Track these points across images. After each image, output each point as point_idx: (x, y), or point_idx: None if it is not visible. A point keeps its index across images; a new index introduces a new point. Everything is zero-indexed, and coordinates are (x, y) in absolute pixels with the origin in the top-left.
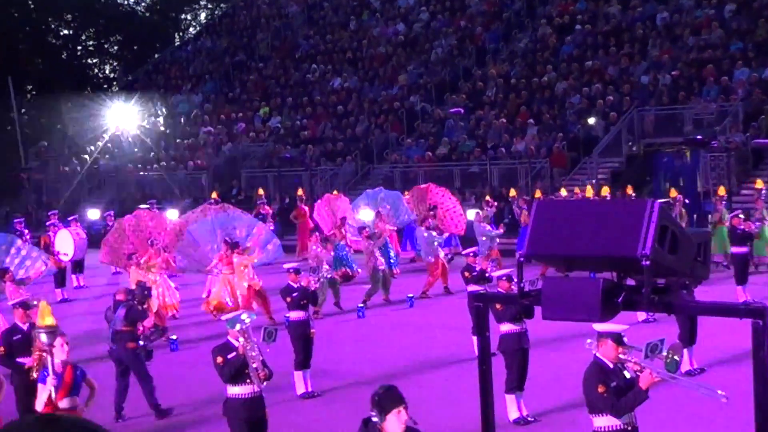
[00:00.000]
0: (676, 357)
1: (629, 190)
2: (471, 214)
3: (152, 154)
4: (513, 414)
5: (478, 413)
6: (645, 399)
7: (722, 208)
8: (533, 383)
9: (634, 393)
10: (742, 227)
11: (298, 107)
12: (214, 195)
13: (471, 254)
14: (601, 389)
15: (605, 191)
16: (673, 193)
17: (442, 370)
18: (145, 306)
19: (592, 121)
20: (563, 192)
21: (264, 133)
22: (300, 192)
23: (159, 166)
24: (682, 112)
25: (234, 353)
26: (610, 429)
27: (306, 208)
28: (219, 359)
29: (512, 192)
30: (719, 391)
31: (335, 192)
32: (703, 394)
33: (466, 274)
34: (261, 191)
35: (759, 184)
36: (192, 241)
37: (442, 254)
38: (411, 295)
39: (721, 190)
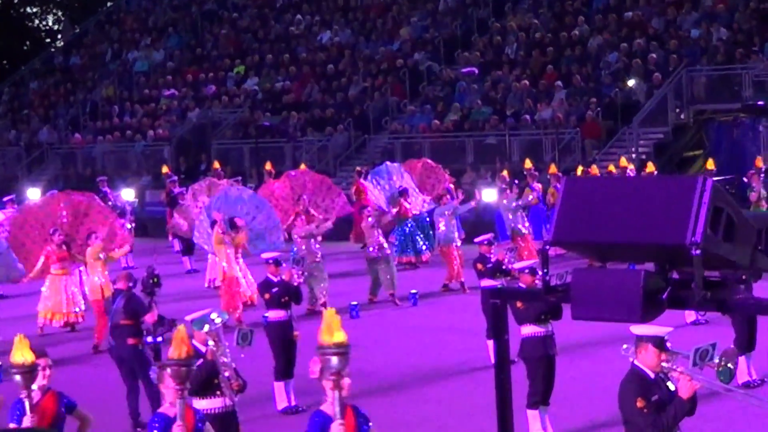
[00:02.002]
0: (730, 365)
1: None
2: (488, 195)
3: (104, 122)
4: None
5: None
6: (687, 412)
7: (759, 185)
8: (560, 397)
9: (675, 405)
10: None
11: (279, 66)
12: (165, 169)
13: (485, 242)
14: (640, 404)
15: (650, 168)
16: (710, 164)
17: (451, 382)
18: (154, 297)
19: (631, 83)
20: (594, 169)
21: (238, 97)
22: (268, 166)
23: (112, 136)
24: (740, 72)
25: (201, 360)
26: None
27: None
28: None
29: (527, 163)
30: None
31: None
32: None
33: (479, 266)
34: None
35: None
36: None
37: (458, 240)
38: (414, 291)
39: (759, 162)
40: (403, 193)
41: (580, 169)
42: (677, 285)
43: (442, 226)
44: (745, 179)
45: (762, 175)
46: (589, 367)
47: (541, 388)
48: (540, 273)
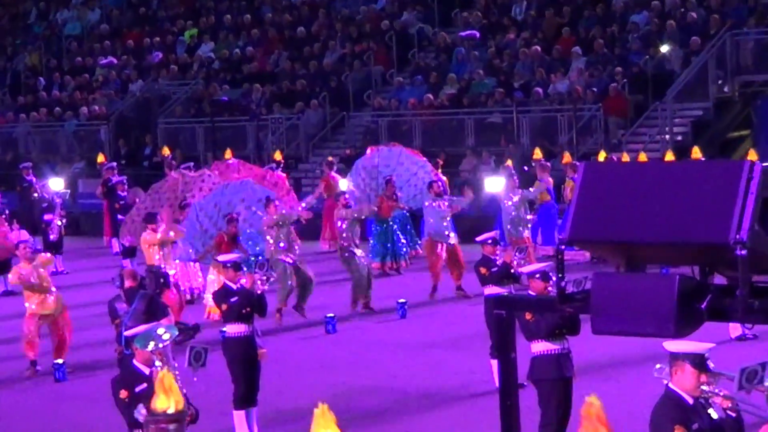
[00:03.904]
0: None
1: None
2: (493, 184)
3: (28, 96)
4: None
5: None
6: None
7: None
8: (578, 427)
9: None
10: None
11: (240, 29)
12: (100, 158)
13: (489, 241)
14: None
15: (696, 153)
16: (752, 156)
17: (447, 409)
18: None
19: (664, 49)
20: (624, 156)
21: (190, 67)
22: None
23: (37, 114)
24: None
25: (145, 384)
26: None
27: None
28: (123, 393)
29: (537, 153)
30: None
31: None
32: None
33: (483, 270)
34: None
35: None
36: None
37: (453, 238)
38: (402, 300)
39: None
40: (389, 183)
41: (602, 154)
42: (719, 292)
43: (431, 219)
44: None
45: None
46: (614, 392)
47: (555, 416)
48: (554, 278)
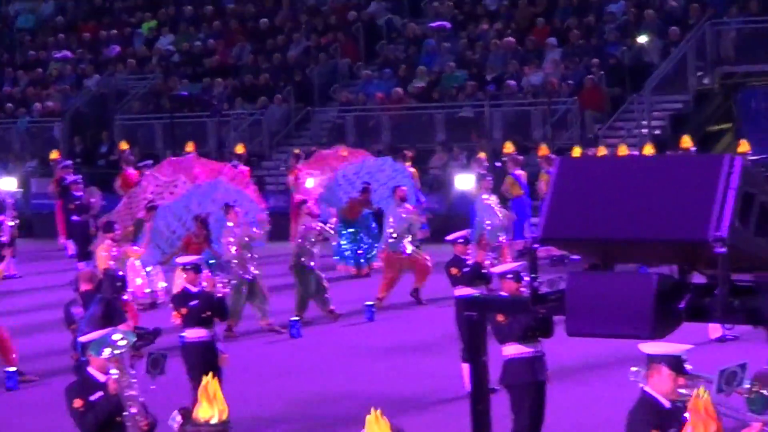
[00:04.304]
0: (765, 391)
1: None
2: (462, 181)
3: None
4: None
5: None
6: None
7: None
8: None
9: None
10: None
11: (201, 21)
12: (54, 155)
13: (460, 241)
14: None
15: (686, 142)
16: (744, 147)
17: (417, 415)
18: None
19: (643, 40)
20: (601, 149)
21: (149, 61)
22: (190, 147)
23: None
24: None
25: (100, 393)
26: None
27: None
28: (77, 403)
29: (508, 147)
30: None
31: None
32: None
33: (454, 270)
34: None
35: None
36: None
37: (410, 248)
38: (370, 303)
39: None
40: (365, 190)
41: (578, 149)
42: (698, 291)
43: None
44: None
45: None
46: (589, 395)
47: (528, 421)
48: (527, 278)
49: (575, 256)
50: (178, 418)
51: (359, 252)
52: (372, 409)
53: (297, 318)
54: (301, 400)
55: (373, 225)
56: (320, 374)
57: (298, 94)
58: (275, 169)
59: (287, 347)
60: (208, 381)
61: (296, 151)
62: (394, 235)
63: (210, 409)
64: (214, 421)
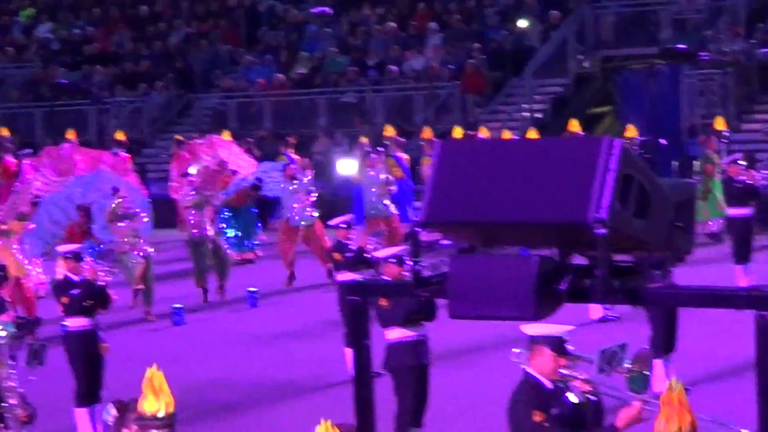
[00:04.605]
0: (644, 371)
1: (575, 126)
2: (344, 166)
3: None
4: None
5: None
6: None
7: (714, 151)
8: (436, 416)
9: None
10: (743, 179)
11: (80, 8)
12: None
13: (343, 226)
14: (537, 418)
15: (574, 126)
16: (631, 132)
17: (301, 400)
18: None
19: (523, 24)
20: (484, 131)
21: (28, 48)
22: (71, 135)
23: None
24: (656, 10)
25: None
26: None
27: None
28: None
29: (388, 130)
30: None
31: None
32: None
33: (336, 255)
34: None
35: None
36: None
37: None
38: (253, 289)
39: (719, 123)
40: (255, 188)
41: (459, 132)
42: (579, 273)
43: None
44: (661, 142)
45: (723, 139)
46: (472, 378)
47: (411, 405)
48: (409, 262)
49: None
50: (113, 411)
51: (242, 239)
52: (322, 421)
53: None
54: (186, 387)
55: (257, 212)
56: (205, 361)
57: (179, 81)
58: (156, 156)
59: (171, 335)
60: (153, 373)
61: (177, 137)
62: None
63: (156, 402)
64: (161, 414)
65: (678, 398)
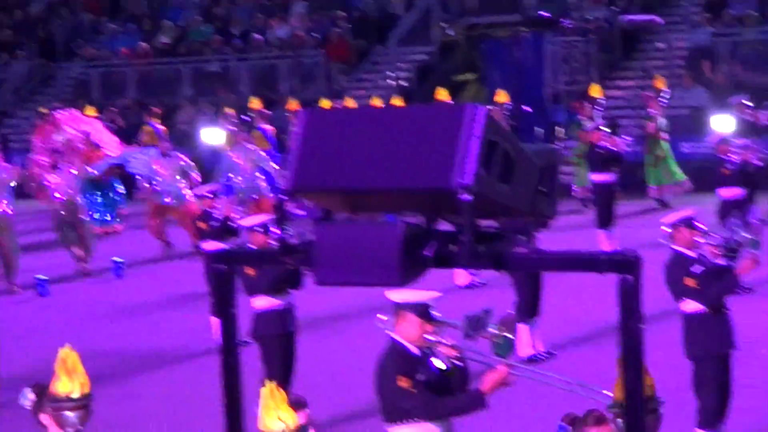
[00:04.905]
0: (509, 335)
1: (443, 94)
2: (209, 136)
3: None
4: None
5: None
6: (482, 407)
7: (588, 118)
8: (303, 383)
9: (470, 397)
10: (605, 145)
11: None
12: None
13: (208, 195)
14: (403, 384)
15: (442, 94)
16: (502, 96)
17: (167, 371)
18: None
19: None
20: (350, 102)
21: None
22: None
23: None
24: None
25: None
26: None
27: None
28: None
29: (254, 102)
30: (606, 392)
31: None
32: (561, 389)
33: (202, 225)
34: None
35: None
36: None
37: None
38: (119, 259)
39: (594, 90)
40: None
41: (325, 102)
42: (444, 239)
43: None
44: (525, 108)
45: (597, 106)
46: (339, 345)
47: (278, 372)
48: (275, 231)
49: (299, 211)
50: (30, 395)
51: (105, 211)
52: (266, 382)
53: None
54: (50, 359)
55: (119, 187)
56: (71, 332)
57: (41, 51)
58: (19, 127)
59: (35, 306)
60: (66, 353)
61: (42, 109)
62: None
63: (69, 382)
64: (75, 395)
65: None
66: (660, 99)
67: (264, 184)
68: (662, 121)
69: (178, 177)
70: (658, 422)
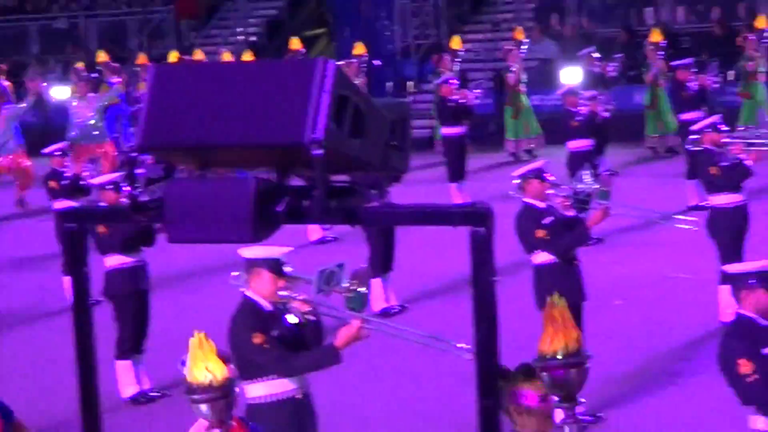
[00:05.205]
0: (362, 290)
1: (296, 44)
2: (58, 93)
3: None
4: (128, 389)
5: (74, 393)
6: (336, 361)
7: (449, 70)
8: (157, 341)
9: (324, 352)
10: (455, 98)
11: None
12: None
13: (57, 153)
14: (257, 340)
15: (295, 44)
16: (359, 49)
17: (20, 330)
18: None
19: None
20: (199, 54)
21: None
22: None
23: None
24: None
25: None
26: (274, 399)
27: None
28: None
29: (101, 56)
30: (460, 344)
31: None
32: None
33: (52, 183)
34: None
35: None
36: None
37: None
38: None
39: (455, 42)
40: None
41: (174, 56)
42: (296, 194)
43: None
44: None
45: (456, 59)
46: (193, 303)
47: (131, 332)
48: (126, 188)
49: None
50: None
51: None
52: (195, 332)
53: None
54: None
55: None
56: None
57: None
58: None
59: None
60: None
61: None
62: None
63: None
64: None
65: (561, 315)
66: (519, 51)
67: (99, 132)
68: (522, 74)
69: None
70: (584, 376)
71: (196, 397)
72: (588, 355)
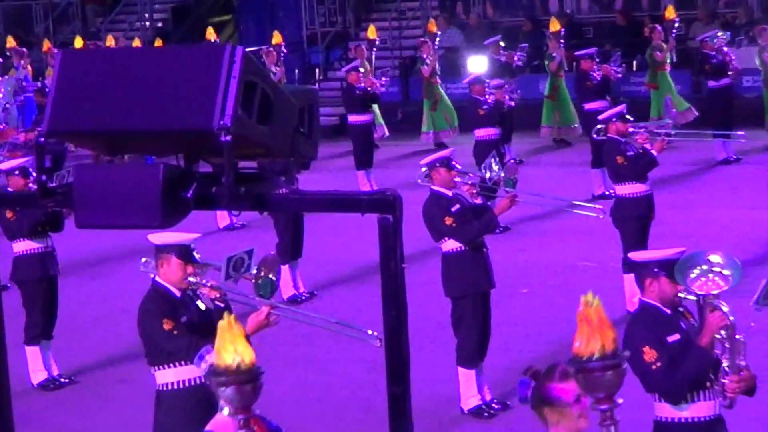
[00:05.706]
0: (271, 276)
1: (211, 34)
2: None
3: None
4: (38, 375)
5: None
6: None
7: (366, 60)
8: (66, 327)
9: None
10: (363, 86)
11: None
12: None
13: None
14: (166, 326)
15: (210, 34)
16: (277, 38)
17: None
18: None
19: None
20: (110, 41)
21: None
22: None
23: None
24: None
25: None
26: (183, 385)
27: None
28: None
29: (10, 41)
30: (369, 331)
31: None
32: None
33: None
34: None
35: (371, 32)
36: None
37: None
38: None
39: (371, 32)
40: None
41: (80, 42)
42: (205, 180)
43: None
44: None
45: (374, 48)
46: (103, 288)
47: (41, 318)
48: (34, 174)
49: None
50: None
51: None
52: (225, 315)
53: None
54: None
55: None
56: None
57: None
58: None
59: None
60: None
61: None
62: None
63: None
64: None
65: (597, 314)
66: (433, 43)
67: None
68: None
69: None
70: (621, 377)
71: (222, 379)
72: (626, 355)
